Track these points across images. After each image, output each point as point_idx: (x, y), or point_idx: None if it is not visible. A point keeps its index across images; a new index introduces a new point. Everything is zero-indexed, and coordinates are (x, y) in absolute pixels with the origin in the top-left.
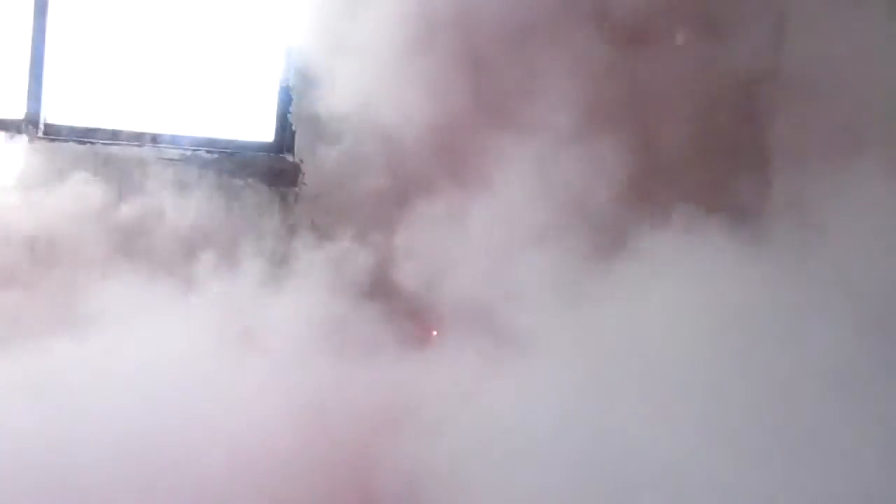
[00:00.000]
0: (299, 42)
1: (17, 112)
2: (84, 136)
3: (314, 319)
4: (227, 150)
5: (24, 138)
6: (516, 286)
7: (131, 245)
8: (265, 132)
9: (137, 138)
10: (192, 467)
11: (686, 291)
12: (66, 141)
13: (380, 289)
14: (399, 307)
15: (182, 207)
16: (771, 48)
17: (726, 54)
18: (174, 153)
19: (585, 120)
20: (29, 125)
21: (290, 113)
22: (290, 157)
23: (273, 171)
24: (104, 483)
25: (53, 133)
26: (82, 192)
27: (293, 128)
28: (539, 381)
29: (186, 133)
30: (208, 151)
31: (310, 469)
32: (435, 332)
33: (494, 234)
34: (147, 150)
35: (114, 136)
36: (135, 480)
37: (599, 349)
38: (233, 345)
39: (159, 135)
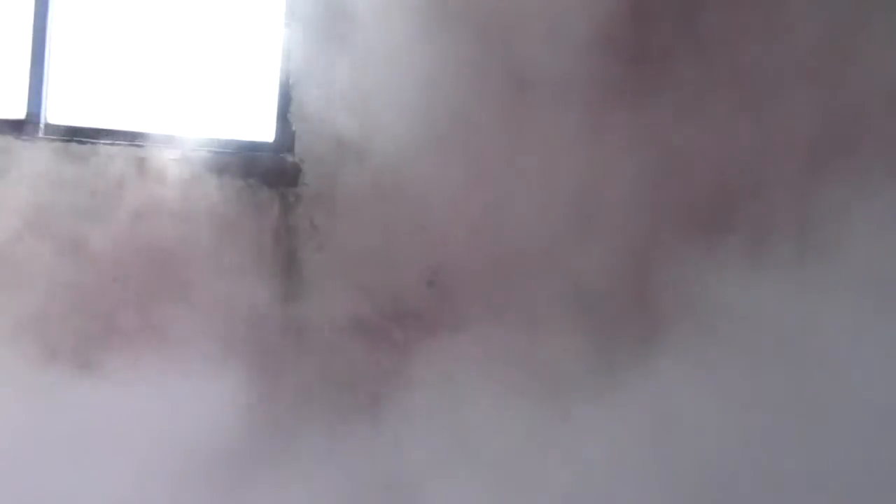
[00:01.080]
0: (300, 41)
1: (18, 112)
2: (84, 136)
3: None
4: (227, 150)
5: (24, 138)
6: None
7: (131, 246)
8: (265, 132)
9: (138, 138)
10: None
11: None
12: (67, 141)
13: None
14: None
15: (182, 207)
16: None
17: None
18: (174, 153)
19: None
20: (29, 125)
21: (290, 113)
22: (290, 157)
23: (273, 171)
24: None
25: (54, 133)
26: (82, 192)
27: (293, 128)
28: None
29: (186, 133)
30: (208, 151)
31: None
32: None
33: None
34: (147, 151)
35: (114, 136)
36: None
37: None
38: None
39: (159, 135)
